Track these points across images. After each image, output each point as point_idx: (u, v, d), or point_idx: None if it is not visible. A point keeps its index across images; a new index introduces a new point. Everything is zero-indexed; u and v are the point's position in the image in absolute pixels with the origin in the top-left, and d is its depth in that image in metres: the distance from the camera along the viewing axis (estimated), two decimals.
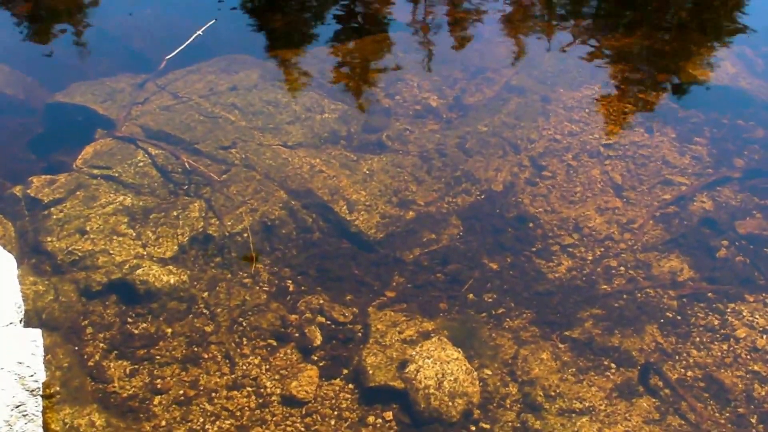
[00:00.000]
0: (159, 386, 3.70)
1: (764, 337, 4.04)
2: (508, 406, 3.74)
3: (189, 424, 3.58)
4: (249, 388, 3.73)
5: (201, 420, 3.59)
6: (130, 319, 3.96)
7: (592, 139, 5.14)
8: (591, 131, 5.21)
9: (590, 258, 4.41)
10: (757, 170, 5.01)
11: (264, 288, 4.14)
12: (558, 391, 3.79)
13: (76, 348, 3.83)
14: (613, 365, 3.91)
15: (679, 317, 4.12)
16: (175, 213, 4.41)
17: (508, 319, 4.07)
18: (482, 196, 4.73)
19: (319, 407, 3.68)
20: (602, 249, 4.47)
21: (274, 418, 3.63)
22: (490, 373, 3.85)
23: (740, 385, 3.83)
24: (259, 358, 3.84)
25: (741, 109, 5.49)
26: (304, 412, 3.66)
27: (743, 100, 5.56)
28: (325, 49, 5.89)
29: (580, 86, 5.58)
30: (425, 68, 5.72)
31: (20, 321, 3.49)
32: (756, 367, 3.91)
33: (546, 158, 5.00)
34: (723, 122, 5.37)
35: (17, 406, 3.16)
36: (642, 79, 5.73)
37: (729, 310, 4.17)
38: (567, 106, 5.39)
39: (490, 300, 4.15)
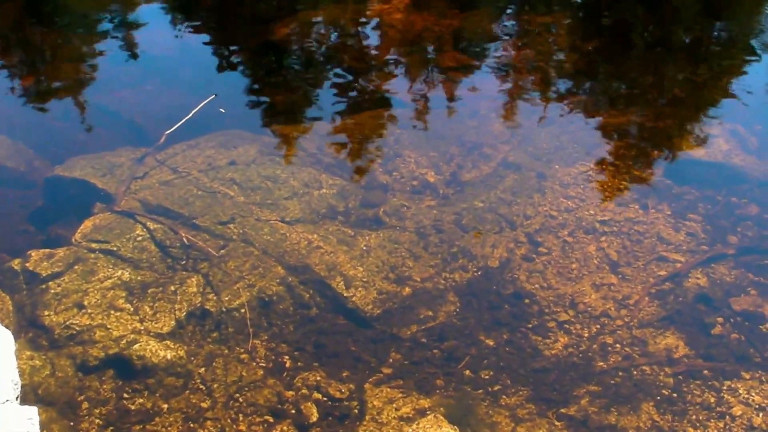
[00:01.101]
0: None
1: (761, 414, 4.11)
2: None
3: None
4: None
5: None
6: (126, 395, 4.03)
7: (588, 216, 5.28)
8: (587, 207, 5.35)
9: (586, 335, 4.51)
10: (751, 247, 5.14)
11: (261, 364, 4.22)
12: None
13: (72, 424, 3.89)
14: None
15: (675, 395, 4.20)
16: (172, 288, 4.51)
17: (504, 396, 4.15)
18: (479, 272, 4.84)
19: None
20: (598, 326, 4.56)
21: None
22: None
23: None
24: None
25: (734, 185, 5.64)
26: None
27: (737, 177, 5.72)
28: (323, 124, 6.07)
29: (576, 162, 5.75)
30: (422, 144, 5.90)
31: (16, 398, 3.55)
32: None
33: (542, 234, 5.13)
34: (717, 199, 5.52)
35: None
36: (637, 155, 5.90)
37: (725, 387, 4.25)
38: (563, 183, 5.55)
39: (487, 377, 4.23)
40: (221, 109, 5.99)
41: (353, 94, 6.53)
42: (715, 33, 7.84)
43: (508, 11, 7.89)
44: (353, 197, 5.33)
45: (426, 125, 6.16)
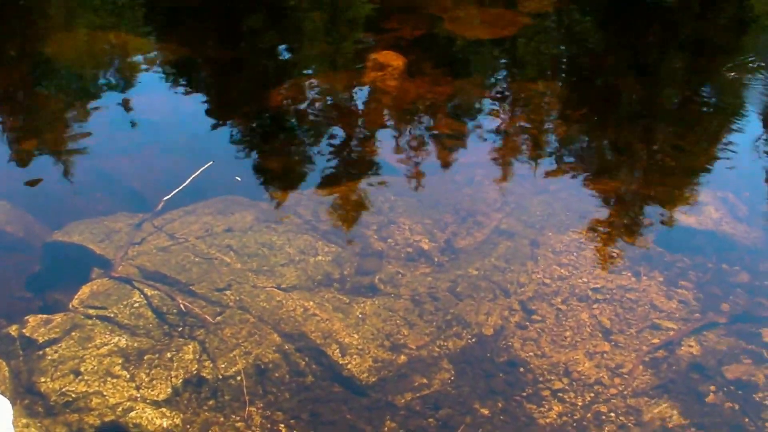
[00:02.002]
0: None
1: None
2: None
3: None
4: None
5: None
6: None
7: (581, 283, 5.37)
8: (579, 275, 5.45)
9: (580, 403, 4.56)
10: (743, 315, 5.22)
11: None
12: None
13: None
14: None
15: None
16: (169, 355, 4.57)
17: None
18: (473, 340, 4.91)
19: None
20: (592, 394, 4.62)
21: None
22: None
23: None
24: None
25: (725, 253, 5.75)
26: None
27: (727, 245, 5.83)
28: (319, 191, 6.18)
29: (568, 230, 5.86)
30: (417, 211, 6.01)
31: None
32: None
33: (536, 302, 5.21)
34: (708, 266, 5.62)
35: None
36: (628, 222, 6.02)
37: None
38: (555, 250, 5.65)
39: None
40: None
41: (348, 160, 6.66)
42: (704, 97, 8.03)
43: (501, 78, 8.08)
44: (348, 264, 5.42)
45: (420, 192, 6.28)
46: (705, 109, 7.75)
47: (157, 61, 8.13)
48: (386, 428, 4.33)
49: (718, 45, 9.06)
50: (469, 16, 9.27)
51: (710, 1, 10.29)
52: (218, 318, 4.83)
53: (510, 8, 9.70)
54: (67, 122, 7.07)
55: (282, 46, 8.62)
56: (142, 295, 4.97)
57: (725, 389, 4.66)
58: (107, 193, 6.11)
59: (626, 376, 4.73)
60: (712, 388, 4.67)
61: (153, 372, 4.45)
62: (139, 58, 8.23)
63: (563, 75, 8.35)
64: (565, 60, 8.67)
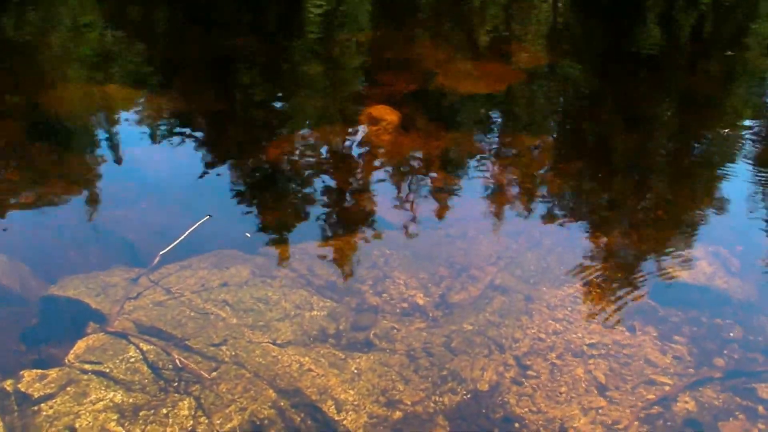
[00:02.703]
0: None
1: None
2: None
3: None
4: None
5: None
6: None
7: (576, 338, 5.43)
8: (574, 330, 5.51)
9: None
10: (738, 370, 5.28)
11: None
12: None
13: None
14: None
15: None
16: (164, 411, 4.59)
17: None
18: (468, 396, 4.95)
19: None
20: None
21: None
22: None
23: None
24: None
25: (719, 308, 5.82)
26: None
27: (721, 299, 5.91)
28: (314, 245, 6.26)
29: (563, 285, 5.93)
30: (411, 265, 6.09)
31: None
32: None
33: (531, 357, 5.26)
34: (702, 321, 5.69)
35: None
36: (622, 277, 6.10)
37: None
38: (550, 305, 5.72)
39: None
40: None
41: (343, 214, 6.74)
42: (695, 150, 8.17)
43: (494, 132, 8.21)
44: (344, 319, 5.47)
45: (415, 246, 6.36)
46: (697, 162, 7.89)
47: (152, 114, 8.25)
48: None
49: (708, 97, 9.25)
50: (462, 70, 9.45)
51: (698, 55, 10.52)
52: (214, 373, 4.86)
53: (503, 62, 9.90)
54: (62, 175, 7.15)
55: (277, 100, 8.76)
56: (137, 350, 5.00)
57: None
58: (103, 247, 6.17)
59: None
60: None
61: (148, 428, 4.47)
62: (134, 110, 8.35)
63: (556, 128, 8.50)
64: (557, 113, 8.83)
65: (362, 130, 7.82)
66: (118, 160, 7.40)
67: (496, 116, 8.58)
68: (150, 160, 7.38)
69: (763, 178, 7.57)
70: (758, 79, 9.98)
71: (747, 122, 8.63)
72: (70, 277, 5.65)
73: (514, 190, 7.16)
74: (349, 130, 7.91)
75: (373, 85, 8.87)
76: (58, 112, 8.16)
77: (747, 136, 8.26)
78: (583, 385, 5.07)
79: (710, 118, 8.79)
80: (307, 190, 7.04)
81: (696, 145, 8.25)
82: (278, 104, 8.68)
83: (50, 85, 8.77)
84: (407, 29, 10.79)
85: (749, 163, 7.75)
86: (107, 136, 7.79)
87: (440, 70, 9.23)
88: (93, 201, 6.74)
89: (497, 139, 8.04)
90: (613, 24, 11.84)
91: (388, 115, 7.91)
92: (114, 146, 7.64)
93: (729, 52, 10.33)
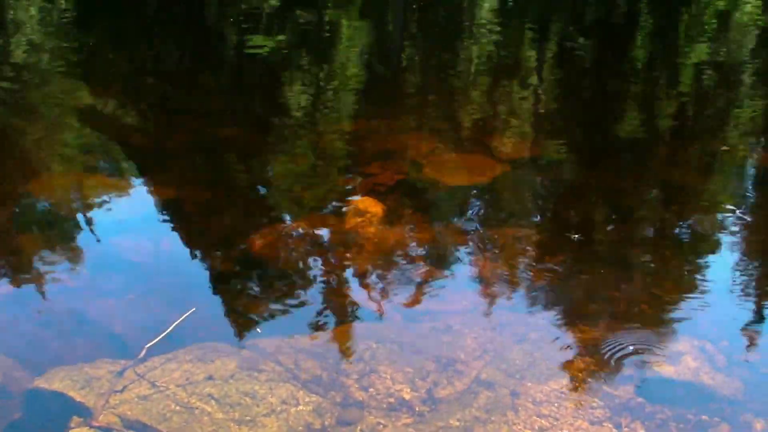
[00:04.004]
0: None
1: None
2: None
3: None
4: None
5: None
6: None
7: None
8: (560, 426, 5.61)
9: None
10: None
11: None
12: None
13: None
14: None
15: None
16: None
17: None
18: None
19: None
20: None
21: None
22: None
23: None
24: None
25: (705, 404, 5.94)
26: None
27: (707, 395, 6.03)
28: (299, 337, 6.37)
29: (549, 380, 6.05)
30: (398, 359, 6.22)
31: None
32: None
33: None
34: (689, 417, 5.81)
35: None
36: (608, 372, 6.24)
37: None
38: (536, 400, 5.84)
39: None
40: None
41: (328, 307, 6.88)
42: (679, 242, 8.41)
43: (478, 224, 8.42)
44: (329, 415, 5.56)
45: (401, 339, 6.49)
46: (680, 253, 8.12)
47: (139, 204, 8.43)
48: None
49: (691, 188, 9.56)
50: (447, 161, 9.73)
51: (681, 143, 10.87)
52: None
53: (487, 153, 10.19)
54: (48, 265, 7.28)
55: (262, 190, 8.98)
56: None
57: None
58: (89, 338, 6.27)
59: None
60: None
61: None
62: (120, 199, 8.52)
63: (540, 220, 8.73)
64: (541, 205, 9.08)
65: (348, 221, 8.02)
66: (103, 250, 7.53)
67: (480, 208, 8.81)
68: (136, 250, 7.52)
69: (747, 268, 7.81)
70: (740, 168, 10.32)
71: (729, 212, 8.91)
72: (56, 368, 5.73)
73: (499, 283, 7.34)
74: (334, 221, 8.10)
75: (358, 176, 9.11)
76: (43, 201, 8.33)
77: (729, 225, 8.54)
78: None
79: (693, 209, 9.08)
80: (292, 282, 7.18)
81: (679, 236, 8.49)
82: (263, 195, 8.89)
83: (36, 174, 8.94)
84: (391, 119, 11.11)
85: (733, 253, 8.01)
86: (94, 225, 7.93)
87: (425, 161, 9.50)
88: (79, 291, 6.86)
89: (482, 230, 8.24)
90: (596, 109, 12.24)
91: (373, 207, 8.13)
92: (100, 236, 7.78)
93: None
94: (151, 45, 14.22)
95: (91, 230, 7.87)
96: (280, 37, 14.96)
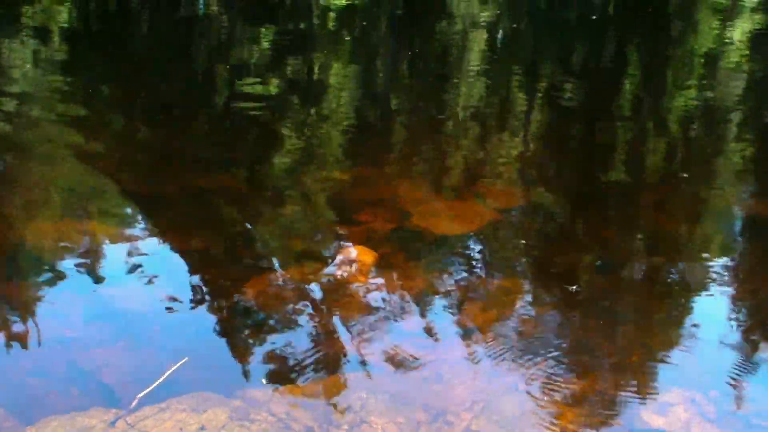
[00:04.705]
0: None
1: None
2: None
3: None
4: None
5: None
6: None
7: None
8: None
9: None
10: None
11: None
12: None
13: None
14: None
15: None
16: None
17: None
18: None
19: None
20: None
21: None
22: None
23: None
24: None
25: None
26: None
27: None
28: (292, 388, 6.45)
29: (539, 431, 6.17)
30: (389, 410, 6.31)
31: None
32: None
33: None
34: None
35: None
36: (600, 423, 6.36)
37: None
38: None
39: None
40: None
41: (320, 356, 6.98)
42: (668, 292, 8.55)
43: (469, 273, 8.56)
44: None
45: (392, 389, 6.59)
46: (669, 303, 8.25)
47: (131, 252, 8.53)
48: None
49: (679, 235, 9.73)
50: (437, 209, 9.88)
51: (667, 189, 11.05)
52: None
53: (476, 201, 10.35)
54: (39, 313, 7.36)
55: (254, 239, 9.10)
56: None
57: None
58: (81, 387, 6.34)
59: None
60: None
61: None
62: (113, 247, 8.62)
63: (530, 270, 8.87)
64: (531, 254, 9.22)
65: (339, 270, 8.15)
66: (96, 298, 7.62)
67: (470, 256, 8.95)
68: (128, 299, 7.61)
69: (735, 317, 7.96)
70: (728, 215, 10.50)
71: (717, 260, 9.08)
72: (47, 418, 5.80)
73: (489, 333, 7.45)
74: (326, 270, 8.22)
75: (349, 224, 9.25)
76: (35, 248, 8.42)
77: (718, 273, 8.70)
78: None
79: (681, 257, 9.24)
80: (284, 332, 7.28)
81: (668, 284, 8.64)
82: (255, 243, 9.01)
83: (26, 222, 9.05)
84: (381, 166, 11.28)
85: (721, 302, 8.16)
86: (85, 273, 8.03)
87: (416, 210, 9.65)
88: (70, 340, 6.94)
89: (472, 279, 8.38)
90: (584, 155, 12.43)
91: (365, 255, 8.27)
92: (92, 284, 7.87)
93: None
94: (142, 90, 14.40)
95: (83, 278, 7.96)
96: (271, 84, 15.17)
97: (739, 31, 21.85)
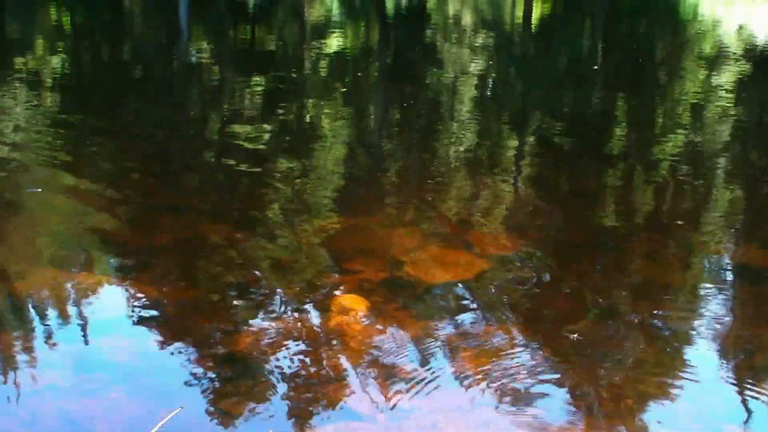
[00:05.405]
0: None
1: None
2: None
3: None
4: None
5: None
6: None
7: None
8: None
9: None
10: None
11: None
12: None
13: None
14: None
15: None
16: None
17: None
18: None
19: None
20: None
21: None
22: None
23: None
24: None
25: None
26: None
27: None
28: None
29: None
30: None
31: None
32: None
33: None
34: None
35: None
36: None
37: None
38: None
39: None
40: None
41: (313, 406, 7.00)
42: (657, 328, 8.62)
43: (461, 321, 8.62)
44: None
45: None
46: (662, 349, 8.32)
47: (122, 302, 8.58)
48: None
49: (669, 283, 9.82)
50: (429, 258, 9.96)
51: (657, 240, 11.16)
52: None
53: (468, 249, 10.45)
54: (30, 364, 7.39)
55: (246, 288, 9.15)
56: None
57: None
58: None
59: None
60: None
61: None
62: (103, 298, 8.67)
63: (522, 319, 8.92)
64: (523, 302, 9.29)
65: (332, 319, 8.21)
66: (86, 349, 7.66)
67: (463, 305, 9.01)
68: (119, 349, 7.65)
69: (728, 362, 8.03)
70: (717, 263, 10.60)
71: (706, 306, 9.17)
72: None
73: (483, 381, 7.49)
74: (319, 319, 8.29)
75: (342, 273, 9.33)
76: (25, 299, 8.46)
77: (709, 319, 8.79)
78: None
79: (672, 304, 9.32)
80: (277, 382, 7.31)
81: (659, 331, 8.70)
82: (247, 293, 9.05)
83: (18, 270, 9.10)
84: (373, 215, 11.39)
85: (714, 347, 8.24)
86: (76, 324, 8.07)
87: (407, 258, 9.74)
88: (62, 391, 6.96)
89: (465, 328, 8.44)
90: (574, 203, 12.56)
91: (358, 304, 8.34)
92: (83, 335, 7.91)
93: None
94: (133, 140, 14.55)
95: (74, 328, 8.01)
96: (262, 133, 15.34)
97: (725, 78, 22.21)
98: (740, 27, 32.50)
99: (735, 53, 26.06)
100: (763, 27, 32.19)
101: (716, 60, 24.97)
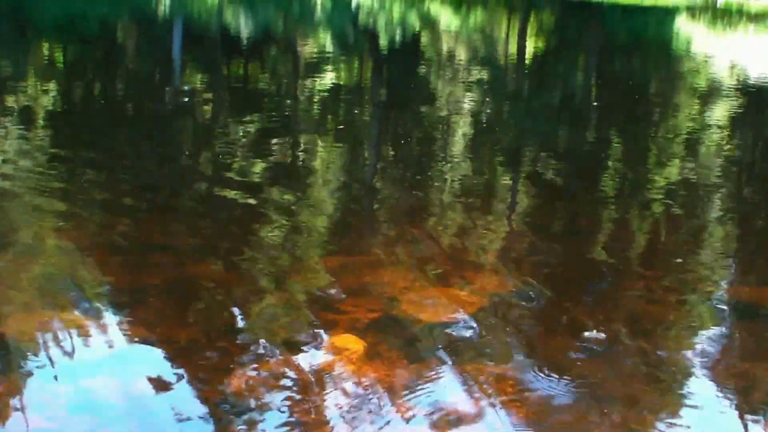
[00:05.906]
0: None
1: None
2: None
3: None
4: None
5: None
6: None
7: None
8: None
9: None
10: None
11: None
12: None
13: None
14: None
15: None
16: None
17: None
18: None
19: None
20: None
21: None
22: None
23: None
24: None
25: None
26: None
27: None
28: None
29: None
30: None
31: None
32: None
33: None
34: None
35: None
36: None
37: None
38: None
39: None
40: None
41: None
42: (653, 366, 8.60)
43: (456, 360, 8.58)
44: None
45: None
46: (657, 388, 8.29)
47: (112, 344, 8.52)
48: None
49: (665, 320, 9.83)
50: (423, 297, 9.93)
51: (653, 276, 11.18)
52: None
53: (463, 288, 10.43)
54: (18, 406, 7.31)
55: (238, 329, 9.11)
56: None
57: None
58: None
59: None
60: None
61: None
62: (93, 339, 8.61)
63: (518, 357, 8.90)
64: (519, 341, 9.26)
65: (327, 360, 8.17)
66: (75, 391, 7.59)
67: (458, 344, 8.98)
68: (110, 391, 7.58)
69: (724, 401, 8.01)
70: (714, 299, 10.63)
71: (703, 343, 9.17)
72: None
73: (480, 420, 7.46)
74: (313, 359, 8.24)
75: (335, 313, 9.30)
76: (13, 340, 8.40)
77: (704, 356, 8.80)
78: None
79: (667, 342, 9.33)
80: (271, 423, 7.24)
81: (655, 369, 8.68)
82: (239, 334, 9.00)
83: (13, 313, 9.05)
84: (366, 253, 11.39)
85: (708, 385, 8.23)
86: (65, 365, 8.01)
87: (402, 297, 9.73)
88: (56, 413, 6.90)
89: (461, 367, 8.40)
90: (569, 239, 12.61)
91: (352, 344, 8.30)
92: (72, 376, 7.84)
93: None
94: (123, 178, 14.57)
95: (64, 370, 7.93)
96: (254, 171, 15.39)
97: (718, 113, 22.40)
98: (732, 64, 32.87)
99: (728, 89, 26.29)
100: (754, 62, 32.54)
101: (710, 96, 25.19)
